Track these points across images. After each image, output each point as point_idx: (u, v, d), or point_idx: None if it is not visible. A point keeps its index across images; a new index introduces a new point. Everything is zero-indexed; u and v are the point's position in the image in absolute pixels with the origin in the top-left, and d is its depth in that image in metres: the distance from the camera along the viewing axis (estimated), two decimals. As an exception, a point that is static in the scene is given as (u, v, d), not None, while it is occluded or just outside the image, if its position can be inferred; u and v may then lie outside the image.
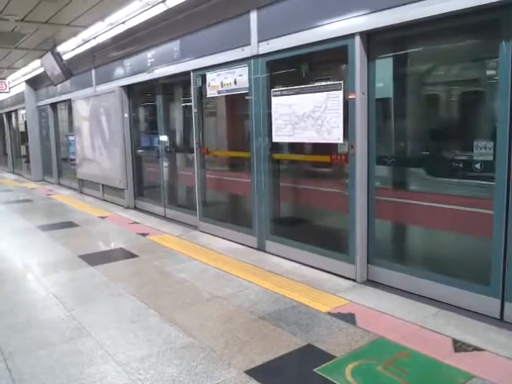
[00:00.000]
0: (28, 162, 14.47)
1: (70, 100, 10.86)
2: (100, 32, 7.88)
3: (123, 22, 7.12)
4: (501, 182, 3.26)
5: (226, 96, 5.90)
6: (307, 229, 5.43)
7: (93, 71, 9.56)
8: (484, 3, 3.10)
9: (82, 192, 10.89)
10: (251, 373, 2.72)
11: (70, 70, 9.48)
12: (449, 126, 4.15)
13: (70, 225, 7.18)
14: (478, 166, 3.46)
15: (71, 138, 11.21)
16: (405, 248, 4.54)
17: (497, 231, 3.32)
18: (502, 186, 3.25)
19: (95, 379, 2.72)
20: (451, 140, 4.07)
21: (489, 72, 3.68)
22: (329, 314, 3.53)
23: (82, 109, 10.13)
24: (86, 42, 8.59)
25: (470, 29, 3.60)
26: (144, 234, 6.40)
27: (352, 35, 4.00)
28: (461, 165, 3.63)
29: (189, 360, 2.90)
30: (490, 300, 3.36)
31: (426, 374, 2.69)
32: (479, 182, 3.57)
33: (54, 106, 12.59)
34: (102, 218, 7.76)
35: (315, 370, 2.73)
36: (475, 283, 3.48)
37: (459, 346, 2.95)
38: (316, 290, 4.04)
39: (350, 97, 4.09)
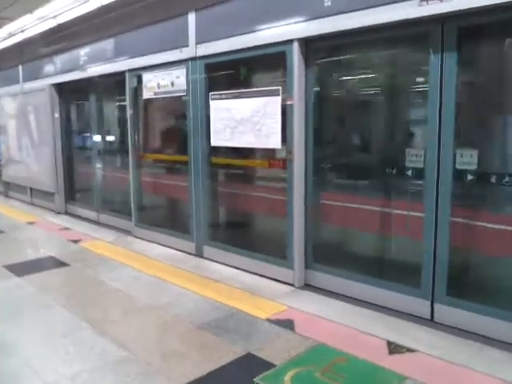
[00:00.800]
0: None
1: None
2: (28, 26, 7.43)
3: (54, 17, 6.76)
4: (430, 188, 3.40)
5: (164, 98, 5.75)
6: (246, 234, 5.40)
7: (20, 67, 8.98)
8: (411, 17, 3.24)
9: (7, 196, 10.20)
10: (190, 386, 2.65)
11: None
12: (381, 134, 4.29)
13: (-6, 231, 6.70)
14: (409, 172, 3.60)
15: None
16: (341, 252, 4.62)
17: (427, 234, 3.46)
18: (431, 191, 3.39)
19: (20, 402, 2.54)
20: (384, 147, 4.21)
21: (419, 80, 3.84)
22: (268, 320, 3.51)
23: (8, 107, 9.50)
24: (12, 35, 8.07)
25: (403, 40, 3.74)
26: (75, 241, 6.08)
27: (290, 41, 4.03)
28: (394, 171, 3.76)
29: (123, 375, 2.77)
30: (422, 302, 3.49)
31: (362, 377, 2.74)
32: (411, 187, 3.71)
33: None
34: (31, 223, 7.30)
35: (255, 379, 2.70)
36: (407, 286, 3.61)
37: (393, 348, 3.04)
38: (255, 297, 4.02)
39: (288, 102, 4.12)
